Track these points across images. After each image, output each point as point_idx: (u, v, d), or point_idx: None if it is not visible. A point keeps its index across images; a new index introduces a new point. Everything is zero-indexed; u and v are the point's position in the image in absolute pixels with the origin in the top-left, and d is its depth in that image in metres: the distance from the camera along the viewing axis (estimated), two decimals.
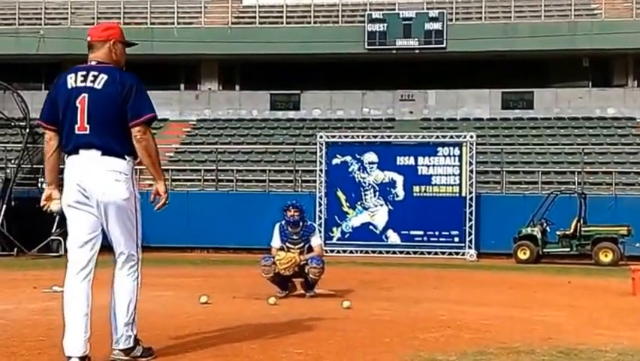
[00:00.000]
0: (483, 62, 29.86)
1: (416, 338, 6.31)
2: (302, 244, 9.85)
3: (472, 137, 23.02)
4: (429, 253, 22.30)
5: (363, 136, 24.93)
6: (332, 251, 21.35)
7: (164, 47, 29.67)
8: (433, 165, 22.76)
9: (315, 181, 23.53)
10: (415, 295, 10.29)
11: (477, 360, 5.36)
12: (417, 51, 29.73)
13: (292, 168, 25.59)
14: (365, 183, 22.95)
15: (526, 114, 29.93)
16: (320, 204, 22.77)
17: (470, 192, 22.40)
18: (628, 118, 29.45)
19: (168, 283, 11.88)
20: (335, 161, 23.16)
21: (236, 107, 31.40)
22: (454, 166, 22.66)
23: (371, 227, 22.87)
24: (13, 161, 24.06)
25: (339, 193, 23.00)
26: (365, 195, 22.93)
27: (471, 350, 5.68)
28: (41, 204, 5.13)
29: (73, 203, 4.93)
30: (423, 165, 22.79)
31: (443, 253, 22.18)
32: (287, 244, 9.84)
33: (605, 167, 25.64)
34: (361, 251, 22.46)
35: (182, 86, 33.06)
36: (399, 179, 22.82)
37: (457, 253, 22.16)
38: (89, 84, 4.91)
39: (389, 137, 24.97)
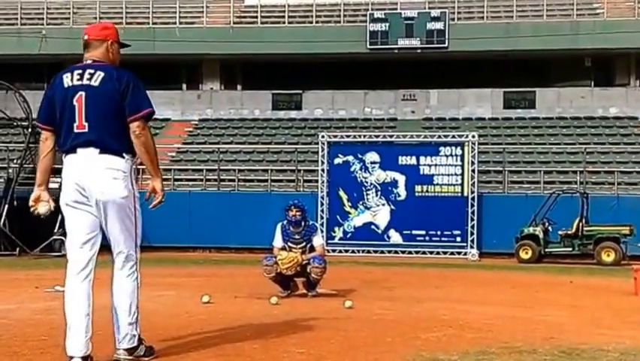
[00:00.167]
0: (485, 61, 29.84)
1: (418, 338, 6.31)
2: (304, 244, 9.85)
3: (474, 136, 23.01)
4: (431, 252, 22.28)
5: (365, 136, 24.92)
6: (334, 251, 21.35)
7: (165, 47, 29.72)
8: (435, 165, 22.75)
9: (317, 181, 23.52)
10: (416, 295, 10.29)
11: (479, 360, 5.36)
12: (419, 51, 29.72)
13: (294, 168, 25.60)
14: (367, 182, 22.95)
15: (528, 114, 29.91)
16: (322, 204, 22.77)
17: (472, 192, 22.38)
18: (630, 118, 29.42)
19: (170, 282, 11.90)
20: (337, 161, 23.15)
21: (238, 106, 31.41)
22: (456, 166, 22.64)
23: (373, 227, 22.86)
24: (15, 161, 24.06)
25: (341, 193, 23.00)
26: (367, 194, 22.92)
27: (473, 350, 5.67)
28: (29, 204, 5.06)
29: (71, 202, 4.91)
30: (425, 165, 22.78)
31: (445, 253, 22.17)
32: (289, 243, 9.84)
33: (607, 166, 25.61)
34: (363, 251, 22.44)
35: (184, 85, 33.08)
36: (401, 179, 22.82)
37: (459, 253, 22.14)
38: (85, 82, 4.89)
39: (391, 136, 24.96)
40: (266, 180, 25.37)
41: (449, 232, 22.43)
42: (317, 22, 31.05)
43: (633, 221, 20.61)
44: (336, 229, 22.92)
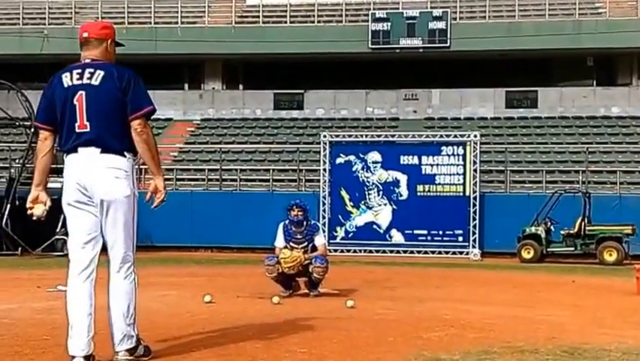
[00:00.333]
0: (487, 61, 29.83)
1: (420, 338, 6.31)
2: (306, 244, 9.84)
3: (475, 136, 23.00)
4: (433, 252, 22.28)
5: (366, 135, 24.93)
6: (336, 250, 21.35)
7: (167, 47, 29.74)
8: (437, 165, 22.74)
9: (318, 181, 23.53)
10: (418, 295, 10.29)
11: (481, 359, 5.35)
12: (421, 50, 29.73)
13: (296, 168, 25.61)
14: (369, 182, 22.95)
15: (530, 113, 29.91)
16: (324, 204, 22.77)
17: (474, 192, 22.38)
18: (632, 117, 29.39)
19: (172, 282, 11.90)
20: (339, 160, 23.16)
21: (240, 106, 31.43)
22: (457, 165, 22.64)
23: (375, 226, 22.87)
24: (17, 160, 24.10)
25: (343, 193, 23.01)
26: (369, 194, 22.92)
27: (475, 350, 5.67)
28: (27, 205, 5.02)
29: (73, 202, 4.89)
30: (427, 165, 22.77)
31: (447, 253, 22.16)
32: (291, 243, 9.83)
33: (609, 166, 25.61)
34: (365, 250, 22.44)
35: (185, 85, 33.11)
36: (403, 178, 22.82)
37: (460, 253, 22.13)
38: (85, 81, 4.87)
39: (393, 136, 24.94)
40: (268, 180, 25.37)
41: (451, 232, 22.43)
42: (319, 21, 31.06)
43: (635, 221, 20.60)
44: (338, 228, 22.93)
